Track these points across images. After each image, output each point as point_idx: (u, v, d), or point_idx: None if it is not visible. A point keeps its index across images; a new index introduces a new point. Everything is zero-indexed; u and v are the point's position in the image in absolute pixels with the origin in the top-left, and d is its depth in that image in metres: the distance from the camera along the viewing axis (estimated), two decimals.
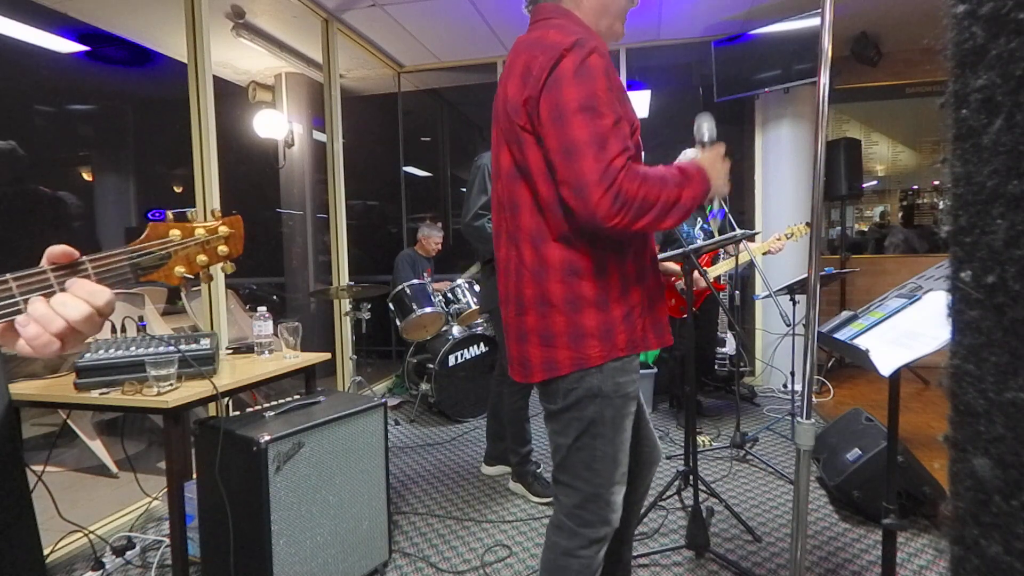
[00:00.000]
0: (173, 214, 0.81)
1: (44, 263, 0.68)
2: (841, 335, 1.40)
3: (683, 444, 3.14)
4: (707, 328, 3.78)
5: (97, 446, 2.93)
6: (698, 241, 3.40)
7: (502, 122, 1.25)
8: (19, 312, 0.64)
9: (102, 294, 0.67)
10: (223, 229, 0.83)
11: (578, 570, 1.25)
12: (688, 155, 1.35)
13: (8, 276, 0.64)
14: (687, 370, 2.32)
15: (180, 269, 0.79)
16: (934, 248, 5.29)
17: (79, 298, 0.66)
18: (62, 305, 0.65)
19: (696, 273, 2.38)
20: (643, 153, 1.32)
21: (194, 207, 2.75)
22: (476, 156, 2.60)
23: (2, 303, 0.64)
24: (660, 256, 1.78)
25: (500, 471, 2.89)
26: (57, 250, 0.68)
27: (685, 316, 2.31)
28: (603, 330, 1.20)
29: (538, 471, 2.67)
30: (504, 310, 1.33)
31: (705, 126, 1.45)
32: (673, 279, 3.34)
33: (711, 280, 3.51)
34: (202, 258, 0.81)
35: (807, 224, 3.37)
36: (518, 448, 2.63)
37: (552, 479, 1.32)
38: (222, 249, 0.83)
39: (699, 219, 3.54)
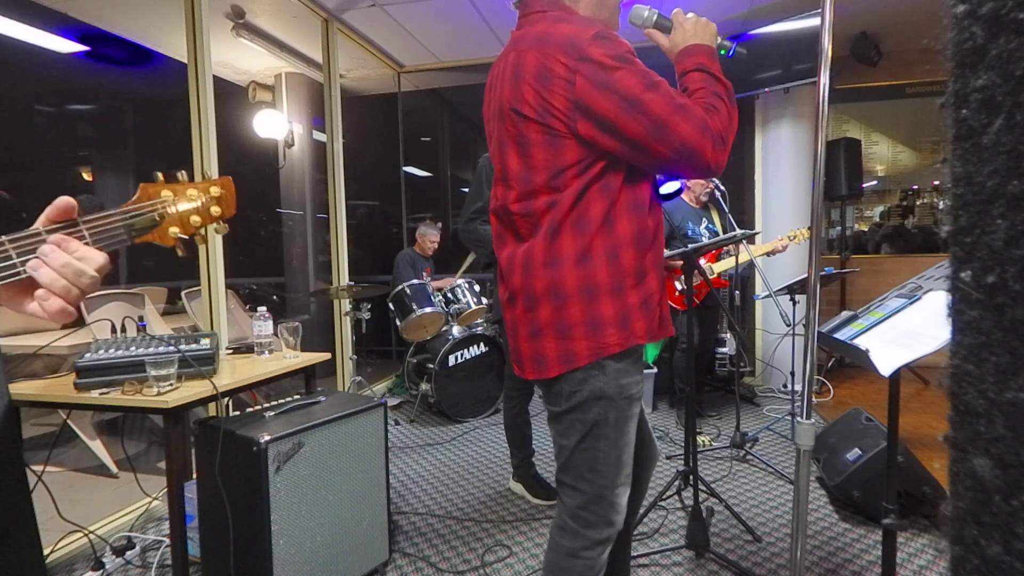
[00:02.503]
0: (164, 175, 0.82)
1: (42, 220, 0.68)
2: (841, 335, 1.40)
3: (683, 444, 3.14)
4: (708, 327, 3.79)
5: (97, 446, 2.93)
6: (702, 240, 3.42)
7: (507, 124, 1.21)
8: (17, 275, 0.65)
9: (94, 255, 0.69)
10: (215, 190, 0.84)
11: (581, 571, 1.24)
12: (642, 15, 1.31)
13: (4, 238, 0.65)
14: (688, 368, 2.32)
15: (174, 229, 0.80)
16: (931, 247, 5.30)
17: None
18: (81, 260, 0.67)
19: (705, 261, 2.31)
20: None
21: None
22: (481, 156, 2.56)
23: (1, 265, 0.65)
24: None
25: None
26: (61, 202, 0.68)
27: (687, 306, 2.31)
28: (620, 317, 1.18)
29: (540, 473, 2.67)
30: (509, 309, 1.29)
31: (645, 14, 1.26)
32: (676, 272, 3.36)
33: (713, 277, 3.54)
34: (195, 219, 0.82)
35: (809, 229, 3.41)
36: (518, 452, 2.63)
37: (556, 480, 1.31)
38: (214, 209, 0.84)
39: (704, 219, 3.55)
